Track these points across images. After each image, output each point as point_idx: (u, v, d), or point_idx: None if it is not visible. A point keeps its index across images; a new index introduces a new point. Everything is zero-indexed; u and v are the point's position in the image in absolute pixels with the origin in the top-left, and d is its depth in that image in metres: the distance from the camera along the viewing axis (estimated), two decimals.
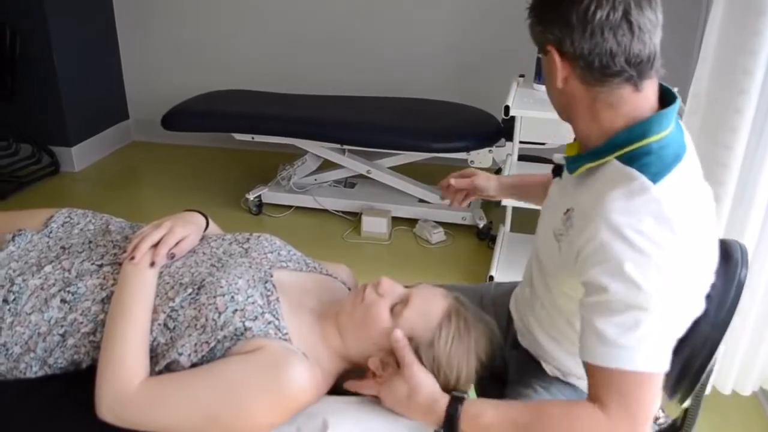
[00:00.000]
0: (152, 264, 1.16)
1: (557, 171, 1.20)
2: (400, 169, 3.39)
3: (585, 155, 1.07)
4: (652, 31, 0.97)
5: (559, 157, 1.16)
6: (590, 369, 0.98)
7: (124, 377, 1.05)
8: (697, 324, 1.11)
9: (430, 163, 3.32)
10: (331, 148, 3.30)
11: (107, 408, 1.04)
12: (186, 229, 1.23)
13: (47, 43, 3.60)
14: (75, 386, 1.12)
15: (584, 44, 0.96)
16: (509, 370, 1.34)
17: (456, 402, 1.01)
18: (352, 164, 3.36)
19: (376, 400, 1.11)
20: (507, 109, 2.44)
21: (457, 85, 3.74)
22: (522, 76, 2.81)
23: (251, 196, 3.35)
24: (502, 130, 3.02)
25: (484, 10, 3.64)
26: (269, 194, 3.40)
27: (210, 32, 4.05)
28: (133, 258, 1.15)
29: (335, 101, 3.49)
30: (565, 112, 1.07)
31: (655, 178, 0.97)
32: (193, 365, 1.08)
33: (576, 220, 1.04)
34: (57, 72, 3.69)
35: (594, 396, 0.97)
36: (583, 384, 1.22)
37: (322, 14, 3.86)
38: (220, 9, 3.97)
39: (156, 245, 1.18)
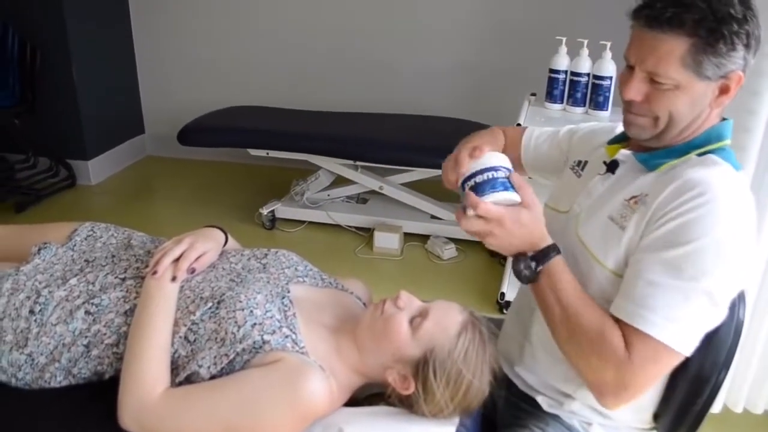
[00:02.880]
0: (174, 278, 1.20)
1: (613, 166, 1.21)
2: (412, 186, 3.42)
3: (665, 152, 1.13)
4: None
5: (626, 154, 1.19)
6: (628, 329, 1.03)
7: (146, 387, 1.08)
8: (697, 362, 1.12)
9: (441, 180, 3.34)
10: (344, 164, 3.34)
11: (129, 417, 1.08)
12: (206, 245, 1.27)
13: (67, 59, 3.68)
14: (98, 396, 1.15)
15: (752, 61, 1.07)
16: (498, 411, 1.33)
17: (556, 249, 1.09)
18: (364, 180, 3.39)
19: (389, 409, 1.14)
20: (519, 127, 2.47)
21: (469, 103, 3.78)
22: (534, 94, 2.84)
23: (265, 211, 3.39)
24: None
25: (497, 30, 3.69)
26: (283, 209, 3.44)
27: (224, 49, 4.11)
28: (155, 272, 1.19)
29: (349, 118, 3.53)
30: (681, 120, 1.10)
31: (736, 167, 1.10)
32: (213, 377, 1.11)
33: (651, 200, 1.08)
34: (76, 87, 3.76)
35: (628, 334, 1.02)
36: (577, 421, 1.23)
37: (336, 32, 3.92)
38: (236, 26, 4.05)
39: (177, 260, 1.22)
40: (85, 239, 1.39)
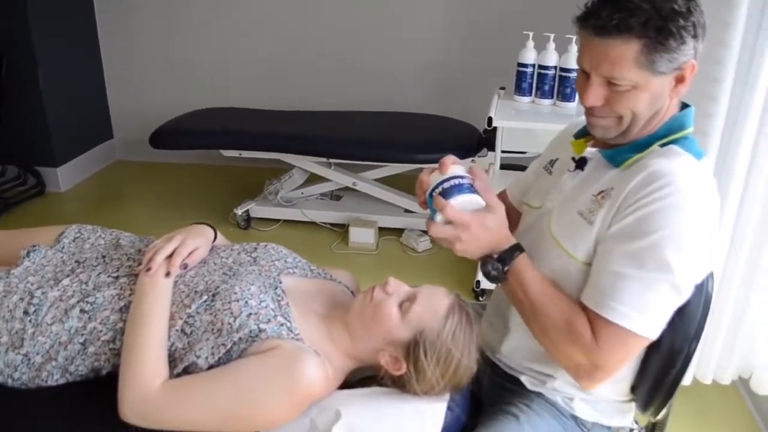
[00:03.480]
0: (167, 274, 1.23)
1: (581, 163, 1.25)
2: (386, 181, 3.47)
3: (630, 147, 1.17)
4: None
5: (592, 152, 1.25)
6: (594, 317, 1.09)
7: (146, 380, 1.11)
8: (669, 337, 1.18)
9: (415, 174, 3.38)
10: (317, 162, 3.38)
11: (130, 410, 1.11)
12: (197, 241, 1.30)
13: (33, 65, 3.64)
14: (97, 392, 1.18)
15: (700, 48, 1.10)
16: (484, 390, 1.38)
17: (520, 248, 1.15)
18: (338, 177, 3.43)
19: (382, 389, 1.20)
20: (490, 120, 2.53)
21: (439, 100, 3.84)
22: (503, 88, 2.91)
23: (239, 211, 3.41)
24: (483, 140, 3.12)
25: (466, 27, 3.75)
26: (257, 208, 3.46)
27: (194, 51, 4.10)
28: (149, 269, 1.22)
29: (321, 116, 3.56)
30: (643, 116, 1.13)
31: (698, 156, 1.14)
32: (210, 367, 1.14)
33: (617, 194, 1.12)
34: (42, 93, 3.72)
35: (594, 320, 1.09)
36: (560, 397, 1.29)
37: (307, 33, 3.94)
38: (206, 28, 4.04)
39: (170, 257, 1.25)
40: (74, 241, 1.41)
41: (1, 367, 1.20)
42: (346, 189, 3.51)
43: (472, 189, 1.12)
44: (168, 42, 4.12)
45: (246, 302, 1.16)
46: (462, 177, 1.13)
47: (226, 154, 3.37)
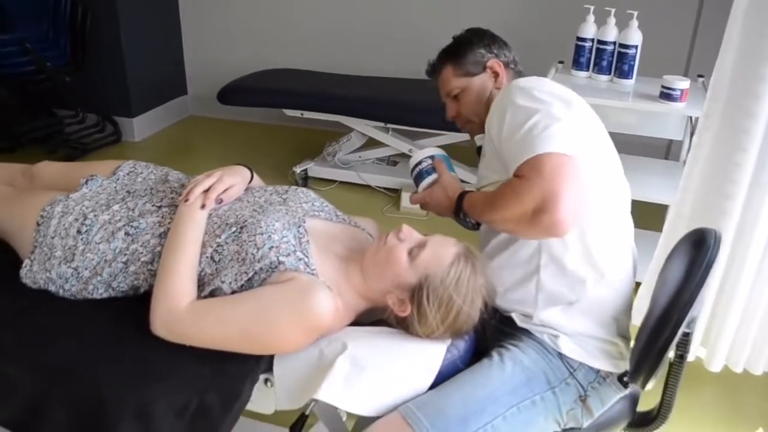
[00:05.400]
0: (203, 206, 1.34)
1: (479, 150, 1.56)
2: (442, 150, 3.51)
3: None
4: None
5: (479, 138, 1.59)
6: (517, 171, 1.21)
7: (175, 298, 1.23)
8: (655, 305, 1.21)
9: (468, 145, 3.43)
10: (375, 127, 3.45)
11: (160, 323, 1.23)
12: (233, 179, 1.41)
13: (115, 21, 3.86)
14: (134, 307, 1.31)
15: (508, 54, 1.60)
16: (488, 339, 1.42)
17: (463, 194, 1.41)
18: (395, 143, 3.50)
19: (389, 329, 1.28)
20: None
21: None
22: (561, 62, 2.90)
23: (298, 170, 3.54)
24: None
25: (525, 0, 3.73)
26: (315, 168, 3.58)
27: (265, 13, 4.24)
28: (187, 200, 1.33)
29: (382, 82, 3.63)
30: (480, 108, 1.51)
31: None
32: (233, 292, 1.25)
33: (488, 133, 1.37)
34: (123, 48, 3.95)
35: (518, 173, 1.21)
36: (546, 335, 1.33)
37: (375, 1, 4.01)
38: None
39: (207, 191, 1.36)
40: (128, 174, 1.55)
41: (54, 277, 1.35)
42: (402, 155, 3.58)
43: (429, 171, 1.50)
44: (242, 4, 4.26)
45: (269, 236, 1.26)
46: (420, 162, 1.52)
47: (288, 114, 3.49)
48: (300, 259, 1.25)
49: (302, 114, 3.46)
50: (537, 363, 1.31)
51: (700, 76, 2.77)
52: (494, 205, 1.25)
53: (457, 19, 3.90)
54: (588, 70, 2.71)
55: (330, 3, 4.09)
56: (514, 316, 1.38)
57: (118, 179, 1.52)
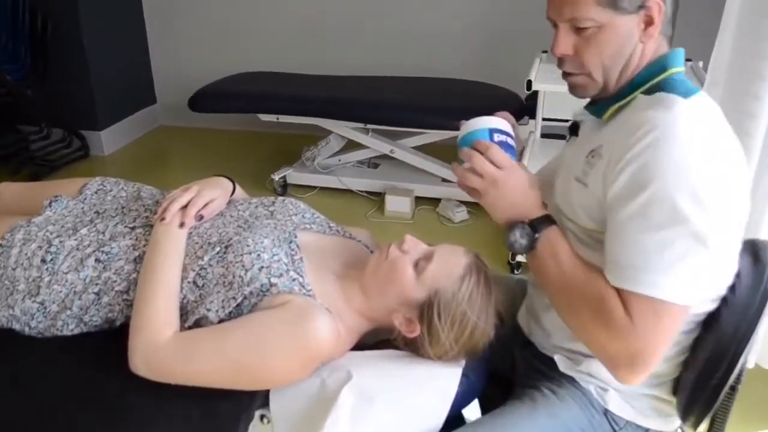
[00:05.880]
0: (182, 225, 1.21)
1: (574, 129, 1.21)
2: (423, 149, 3.41)
3: (612, 99, 1.10)
4: None
5: (579, 113, 1.20)
6: (626, 296, 0.99)
7: (156, 331, 1.10)
8: (711, 333, 1.08)
9: (453, 142, 3.33)
10: (354, 128, 3.34)
11: (140, 359, 1.09)
12: (213, 193, 1.28)
13: (77, 28, 3.69)
14: (110, 343, 1.17)
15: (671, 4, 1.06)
16: (517, 372, 1.30)
17: (552, 220, 1.09)
18: (375, 144, 3.39)
19: (396, 352, 1.16)
20: (529, 83, 2.44)
21: (479, 64, 3.75)
22: (545, 51, 2.81)
23: (276, 177, 3.41)
24: (524, 108, 3.02)
25: None
26: (294, 175, 3.45)
27: (235, 15, 4.10)
28: (163, 219, 1.20)
29: (359, 81, 3.52)
30: (614, 66, 1.08)
31: (685, 95, 1.02)
32: (221, 321, 1.12)
33: (605, 152, 1.05)
34: (87, 57, 3.77)
35: (625, 299, 0.98)
36: (593, 386, 1.17)
37: None
38: None
39: (185, 207, 1.23)
40: (96, 193, 1.41)
41: (18, 314, 1.21)
42: (384, 157, 3.47)
43: (514, 153, 1.13)
44: (210, 6, 4.12)
45: (258, 255, 1.13)
46: (509, 135, 1.15)
47: (263, 119, 3.36)
48: (294, 280, 1.13)
49: (277, 118, 3.33)
50: (576, 419, 1.15)
51: (688, 60, 2.69)
52: (573, 306, 1.04)
53: (434, 11, 3.83)
54: None
55: (303, 2, 3.97)
56: (557, 359, 1.20)
57: (85, 199, 1.38)
